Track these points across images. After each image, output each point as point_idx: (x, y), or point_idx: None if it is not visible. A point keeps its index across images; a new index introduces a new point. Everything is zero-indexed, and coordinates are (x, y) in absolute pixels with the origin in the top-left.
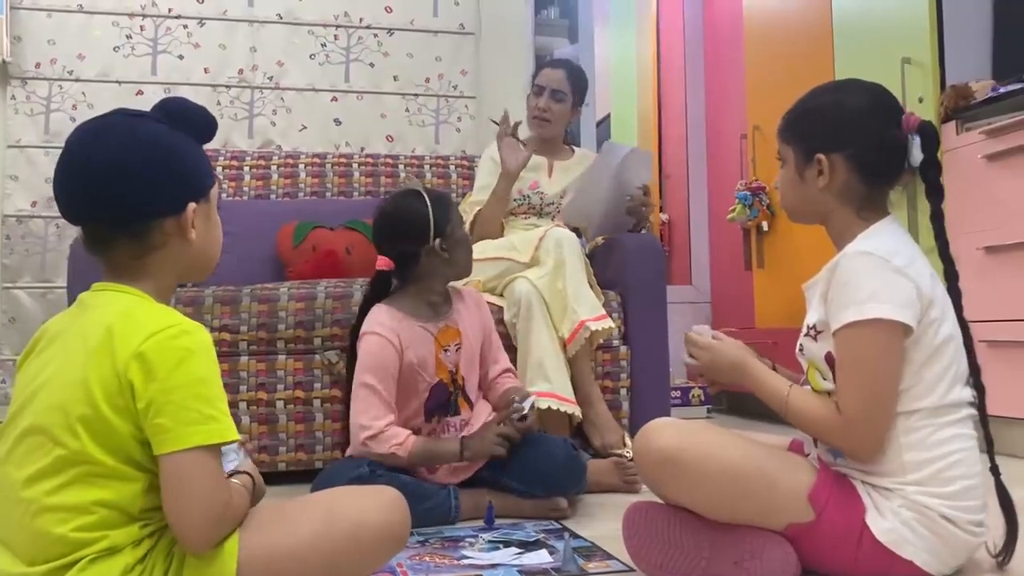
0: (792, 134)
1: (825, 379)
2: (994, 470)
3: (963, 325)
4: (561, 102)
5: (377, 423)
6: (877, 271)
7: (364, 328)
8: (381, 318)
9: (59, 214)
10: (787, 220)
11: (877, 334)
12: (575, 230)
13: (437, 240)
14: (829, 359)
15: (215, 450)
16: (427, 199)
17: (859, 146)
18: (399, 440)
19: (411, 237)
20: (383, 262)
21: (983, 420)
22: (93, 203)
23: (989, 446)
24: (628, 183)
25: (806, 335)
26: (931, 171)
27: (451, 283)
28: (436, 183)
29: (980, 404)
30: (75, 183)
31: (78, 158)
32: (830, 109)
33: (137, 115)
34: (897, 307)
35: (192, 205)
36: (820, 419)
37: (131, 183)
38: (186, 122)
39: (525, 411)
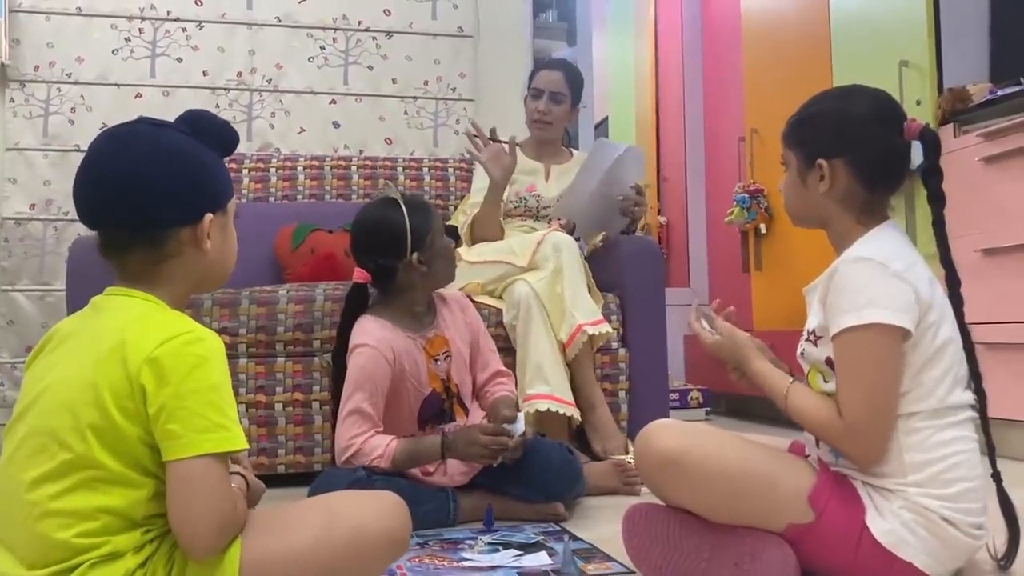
0: (794, 139)
1: (827, 381)
2: (995, 476)
3: (965, 331)
4: (560, 104)
5: (356, 440)
6: (876, 276)
7: (355, 340)
8: (372, 329)
9: (57, 217)
10: (785, 223)
11: (876, 339)
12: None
13: (415, 254)
14: (831, 363)
15: (224, 458)
16: (404, 210)
17: (860, 152)
18: (379, 452)
19: (388, 251)
20: (360, 274)
21: (984, 426)
22: (111, 210)
23: (991, 452)
24: (620, 182)
25: (807, 340)
26: (933, 178)
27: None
28: (435, 186)
29: (982, 410)
30: (95, 190)
31: (100, 165)
32: (832, 114)
33: (161, 125)
34: (896, 312)
35: (209, 216)
36: (820, 420)
37: (150, 193)
38: (210, 134)
39: (518, 434)
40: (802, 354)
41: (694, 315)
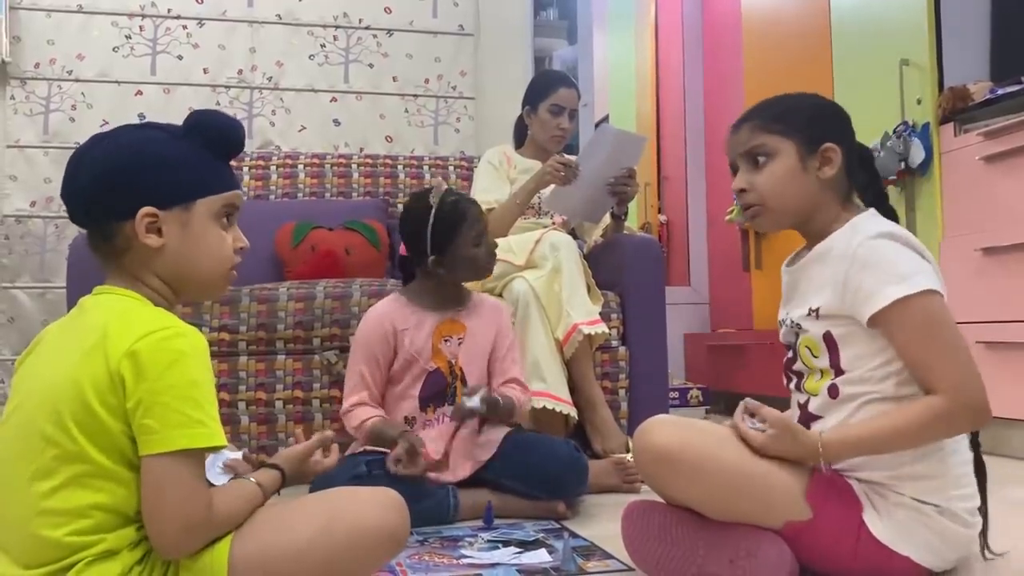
0: (790, 125)
1: (816, 356)
2: (974, 443)
3: None
4: (573, 119)
5: (348, 401)
6: (907, 252)
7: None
8: (382, 303)
9: (58, 214)
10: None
11: (934, 301)
12: (571, 232)
13: (432, 258)
14: (827, 338)
15: (198, 455)
16: (432, 216)
17: (850, 141)
18: (355, 424)
19: (410, 248)
20: (403, 248)
21: None
22: (68, 203)
23: None
24: (615, 166)
25: (807, 315)
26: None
27: (471, 288)
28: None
29: None
30: (63, 186)
31: (71, 163)
32: (825, 105)
33: (141, 125)
34: (938, 283)
35: (145, 210)
36: (927, 419)
37: (90, 186)
38: (204, 133)
39: (470, 406)
40: (789, 326)
41: (738, 415)
